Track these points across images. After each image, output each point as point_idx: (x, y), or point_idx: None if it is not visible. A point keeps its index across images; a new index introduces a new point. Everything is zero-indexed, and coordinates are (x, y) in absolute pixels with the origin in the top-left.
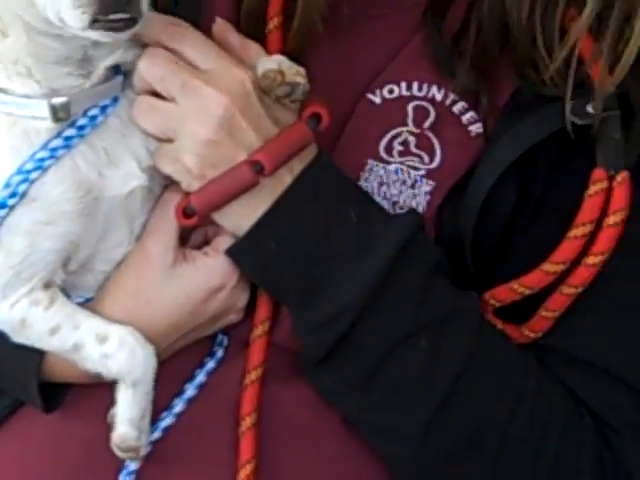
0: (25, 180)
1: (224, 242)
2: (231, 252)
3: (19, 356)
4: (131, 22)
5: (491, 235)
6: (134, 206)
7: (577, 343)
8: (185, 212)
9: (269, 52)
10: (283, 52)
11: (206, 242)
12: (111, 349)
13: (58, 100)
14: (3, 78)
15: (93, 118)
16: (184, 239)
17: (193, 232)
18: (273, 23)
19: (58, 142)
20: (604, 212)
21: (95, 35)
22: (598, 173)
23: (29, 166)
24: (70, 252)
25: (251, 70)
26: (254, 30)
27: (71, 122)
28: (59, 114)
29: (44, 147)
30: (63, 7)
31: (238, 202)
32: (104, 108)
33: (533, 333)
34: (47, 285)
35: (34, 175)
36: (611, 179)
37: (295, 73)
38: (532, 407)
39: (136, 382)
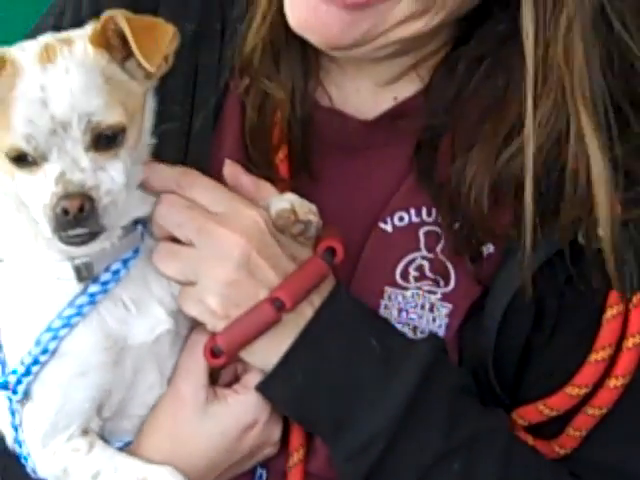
0: (54, 337)
1: (253, 378)
2: (261, 388)
3: None
4: (92, 236)
5: (513, 352)
6: (163, 350)
7: (609, 453)
8: (213, 352)
9: (279, 180)
10: (292, 188)
11: (236, 378)
12: None
13: (81, 261)
14: (30, 242)
15: (116, 272)
16: (214, 377)
17: (223, 370)
18: (279, 153)
19: (83, 299)
20: (622, 334)
21: (60, 246)
22: (614, 297)
23: (57, 324)
24: (103, 399)
25: (264, 210)
26: (262, 163)
27: (95, 278)
28: (82, 274)
29: (70, 304)
30: (37, 215)
31: (263, 339)
32: (126, 261)
33: (563, 450)
34: (85, 432)
35: (62, 332)
36: (627, 301)
37: (307, 211)
38: None
39: None
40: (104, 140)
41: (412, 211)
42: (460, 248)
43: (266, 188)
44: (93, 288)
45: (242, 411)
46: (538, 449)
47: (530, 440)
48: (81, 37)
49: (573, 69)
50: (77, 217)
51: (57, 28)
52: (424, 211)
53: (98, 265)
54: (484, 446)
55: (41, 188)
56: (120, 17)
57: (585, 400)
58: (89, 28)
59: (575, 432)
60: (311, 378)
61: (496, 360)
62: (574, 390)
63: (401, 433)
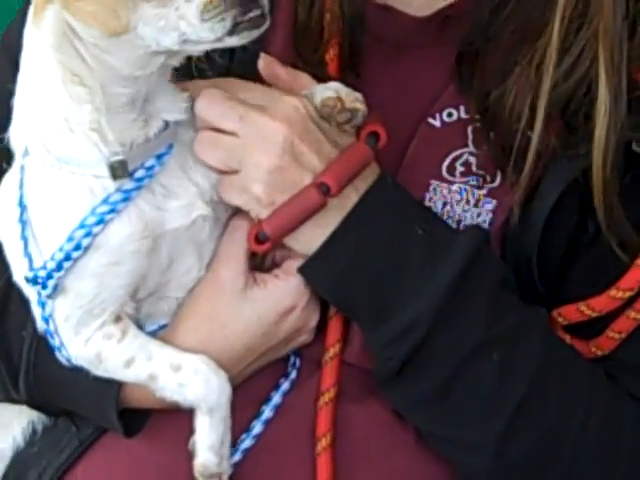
0: (88, 234)
1: (294, 264)
2: (303, 270)
3: (98, 386)
4: (263, 18)
5: (557, 251)
6: (201, 235)
7: None
8: (257, 238)
9: (328, 78)
10: (339, 79)
11: (275, 265)
12: (185, 378)
13: (116, 159)
14: (69, 146)
15: (150, 168)
16: (254, 264)
17: (263, 258)
18: (329, 51)
19: (118, 196)
20: None
21: (233, 41)
22: None
23: (91, 220)
24: (138, 284)
25: (304, 98)
26: (312, 60)
27: (129, 174)
28: (118, 172)
29: (104, 201)
30: (187, 27)
31: (308, 224)
32: (160, 157)
33: (600, 351)
34: (118, 318)
35: (96, 229)
36: None
37: (354, 99)
38: (603, 415)
39: (212, 409)
40: None
41: (462, 108)
42: (496, 159)
43: (303, 78)
44: (128, 185)
45: (281, 295)
46: (576, 348)
47: (568, 339)
48: None
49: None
50: None
51: None
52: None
53: (132, 163)
54: (523, 338)
55: None
56: None
57: (628, 303)
58: None
59: (614, 334)
60: (354, 261)
61: (540, 258)
62: (618, 293)
63: (441, 321)
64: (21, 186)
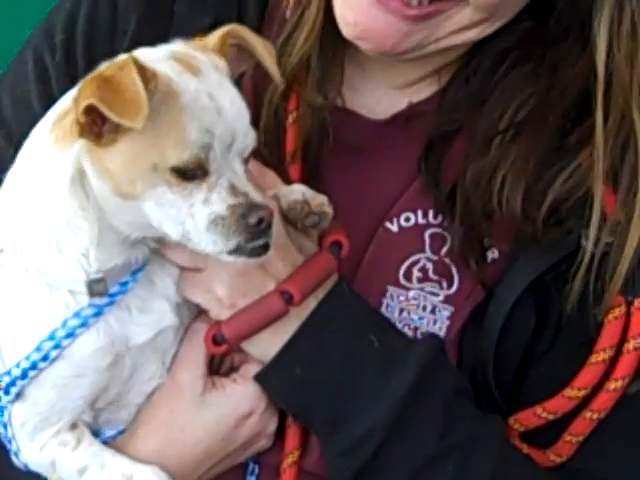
0: (57, 346)
1: (252, 369)
2: (259, 378)
3: None
4: (264, 248)
5: (513, 358)
6: (166, 343)
7: (603, 465)
8: (215, 340)
9: (289, 179)
10: (302, 180)
11: (232, 369)
12: None
13: (95, 277)
14: (52, 262)
15: (124, 284)
16: (213, 368)
17: (221, 360)
18: (290, 155)
19: (90, 311)
20: (623, 337)
21: (230, 259)
22: (617, 299)
23: (61, 333)
24: (98, 395)
25: (272, 199)
26: (272, 162)
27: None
28: (95, 290)
29: (76, 315)
30: (193, 228)
31: (266, 330)
32: (134, 273)
33: (558, 457)
34: (74, 426)
35: (65, 342)
36: (629, 304)
37: (320, 203)
38: None
39: None
40: (248, 155)
41: (419, 212)
42: (465, 251)
43: (270, 177)
44: (101, 300)
45: (239, 400)
46: (533, 458)
47: (525, 448)
48: (197, 49)
49: (633, 75)
50: (265, 228)
51: (70, 25)
52: (431, 213)
53: (111, 282)
54: (479, 450)
55: (209, 200)
56: (245, 30)
57: (583, 404)
58: (208, 40)
59: (572, 438)
60: (309, 371)
61: (495, 365)
62: (573, 392)
63: (395, 432)
64: None
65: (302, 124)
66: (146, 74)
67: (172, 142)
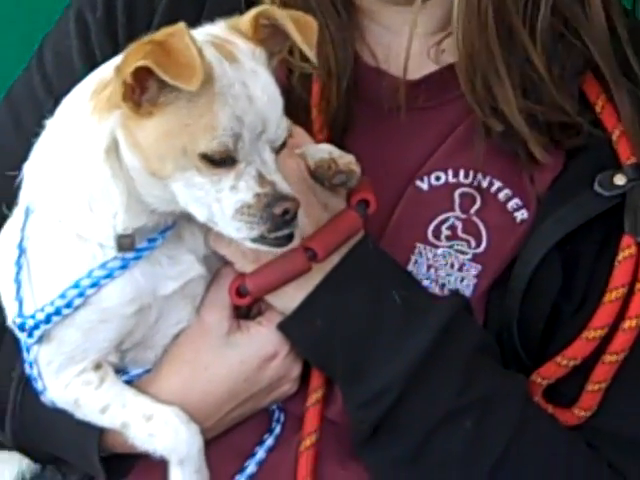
0: (81, 294)
1: (277, 314)
2: (281, 327)
3: (81, 431)
4: (288, 239)
5: (538, 317)
6: (195, 290)
7: (622, 424)
8: (238, 291)
9: (315, 138)
10: (329, 140)
11: (260, 313)
12: (155, 428)
13: (124, 234)
14: (83, 218)
15: (152, 241)
16: (241, 312)
17: (249, 306)
18: (316, 110)
19: (116, 263)
20: (635, 277)
21: (252, 246)
22: (627, 240)
23: (86, 282)
24: (124, 338)
25: (299, 157)
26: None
27: None
28: (123, 246)
29: (102, 266)
30: (218, 212)
31: (289, 284)
32: (164, 231)
33: (584, 411)
34: (98, 366)
35: (90, 291)
36: (639, 245)
37: (348, 162)
38: None
39: (182, 460)
40: (281, 144)
41: (450, 172)
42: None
43: (299, 134)
44: (128, 254)
45: (263, 342)
46: (557, 417)
47: (550, 409)
48: (231, 30)
49: None
50: (289, 219)
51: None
52: (461, 173)
53: (139, 239)
54: (498, 408)
55: (236, 187)
56: (277, 11)
57: (602, 349)
58: (241, 24)
59: (594, 386)
60: (329, 324)
61: (521, 324)
62: (590, 333)
63: (414, 386)
64: (23, 228)
65: (330, 83)
66: (196, 45)
67: (203, 127)
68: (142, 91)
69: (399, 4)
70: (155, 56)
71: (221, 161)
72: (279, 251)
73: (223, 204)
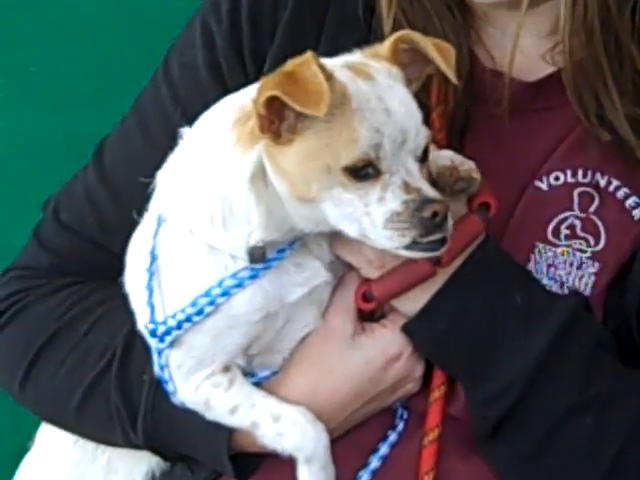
0: (211, 303)
1: (400, 315)
2: (405, 329)
3: (211, 431)
4: (442, 243)
5: None
6: (321, 296)
7: None
8: (365, 297)
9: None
10: (449, 146)
11: (382, 316)
12: (283, 427)
13: (257, 247)
14: (217, 234)
15: (281, 251)
16: (363, 313)
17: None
18: (435, 113)
19: (246, 273)
20: None
21: (406, 254)
22: None
23: (217, 291)
24: (251, 342)
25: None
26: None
27: None
28: (255, 258)
29: (233, 276)
30: (369, 225)
31: (414, 289)
32: (292, 242)
33: None
34: (226, 368)
35: (220, 300)
36: None
37: (469, 169)
38: None
39: (309, 458)
40: (423, 154)
41: (568, 172)
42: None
43: None
44: (257, 264)
45: (387, 343)
46: None
47: None
48: (370, 57)
49: None
50: (440, 222)
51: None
52: (580, 173)
53: (270, 251)
54: (619, 403)
55: (384, 198)
56: (417, 35)
57: None
58: (380, 50)
59: None
60: (452, 325)
61: None
62: None
63: (535, 384)
64: (155, 236)
65: (448, 85)
66: (326, 71)
67: (344, 143)
68: (280, 120)
69: (504, 7)
70: (284, 86)
71: (365, 174)
72: (433, 255)
73: (373, 216)
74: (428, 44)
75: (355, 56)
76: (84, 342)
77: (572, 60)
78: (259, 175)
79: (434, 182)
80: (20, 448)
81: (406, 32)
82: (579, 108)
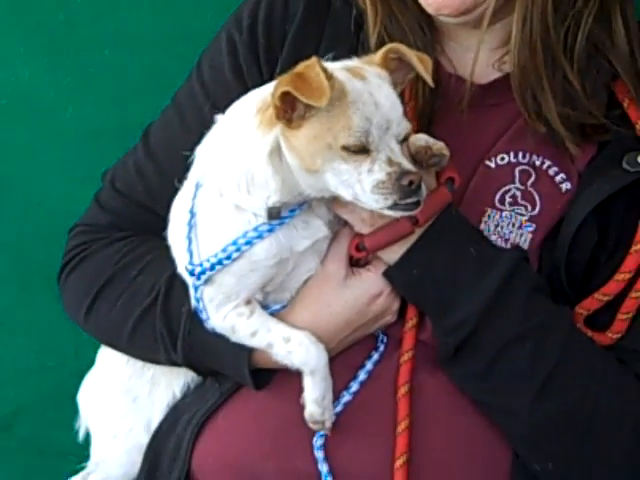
0: (238, 249)
1: (382, 262)
2: (386, 274)
3: (236, 350)
4: (416, 205)
5: (580, 264)
6: (321, 247)
7: None
8: (357, 247)
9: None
10: (418, 129)
11: (367, 262)
12: (292, 347)
13: (274, 207)
14: (241, 196)
15: (293, 211)
16: (353, 262)
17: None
18: (408, 107)
19: (265, 227)
20: None
21: (389, 213)
22: None
23: (242, 241)
24: (267, 282)
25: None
26: None
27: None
28: (272, 216)
29: (255, 229)
30: (360, 190)
31: (395, 243)
32: (301, 204)
33: (615, 334)
34: (248, 302)
35: (245, 248)
36: None
37: (440, 147)
38: (613, 390)
39: (313, 371)
40: (403, 140)
41: (512, 154)
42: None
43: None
44: (274, 221)
45: (372, 284)
46: (595, 339)
47: (589, 332)
48: (365, 63)
49: None
50: (415, 188)
51: (254, 13)
52: (520, 154)
53: (284, 211)
54: (552, 332)
55: (372, 170)
56: (403, 47)
57: (630, 287)
58: (373, 58)
59: (623, 315)
60: (423, 271)
61: (567, 270)
62: (620, 276)
63: (486, 317)
64: (194, 198)
65: (418, 86)
66: (327, 72)
67: (341, 128)
68: (292, 110)
69: (468, 26)
70: (294, 83)
71: (358, 151)
72: (410, 214)
73: (363, 184)
74: (412, 55)
75: (353, 62)
76: (135, 283)
77: (518, 68)
78: (276, 152)
79: (413, 158)
80: (80, 371)
81: (395, 45)
82: (522, 105)
